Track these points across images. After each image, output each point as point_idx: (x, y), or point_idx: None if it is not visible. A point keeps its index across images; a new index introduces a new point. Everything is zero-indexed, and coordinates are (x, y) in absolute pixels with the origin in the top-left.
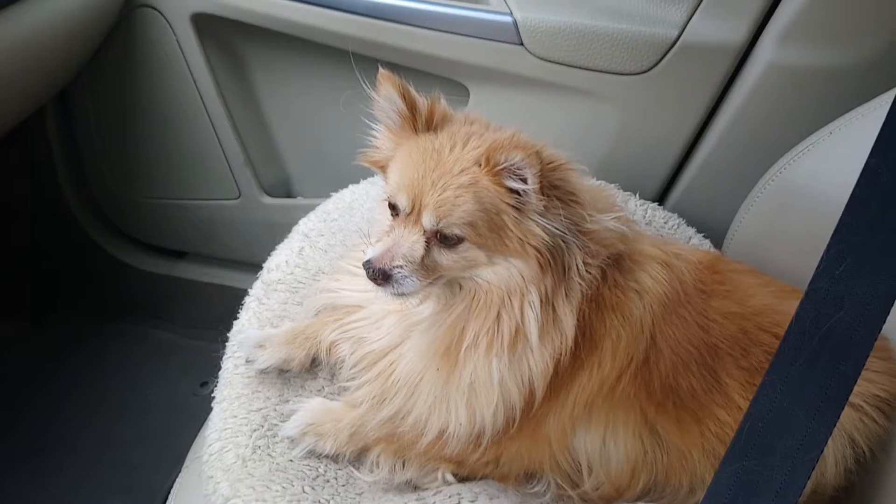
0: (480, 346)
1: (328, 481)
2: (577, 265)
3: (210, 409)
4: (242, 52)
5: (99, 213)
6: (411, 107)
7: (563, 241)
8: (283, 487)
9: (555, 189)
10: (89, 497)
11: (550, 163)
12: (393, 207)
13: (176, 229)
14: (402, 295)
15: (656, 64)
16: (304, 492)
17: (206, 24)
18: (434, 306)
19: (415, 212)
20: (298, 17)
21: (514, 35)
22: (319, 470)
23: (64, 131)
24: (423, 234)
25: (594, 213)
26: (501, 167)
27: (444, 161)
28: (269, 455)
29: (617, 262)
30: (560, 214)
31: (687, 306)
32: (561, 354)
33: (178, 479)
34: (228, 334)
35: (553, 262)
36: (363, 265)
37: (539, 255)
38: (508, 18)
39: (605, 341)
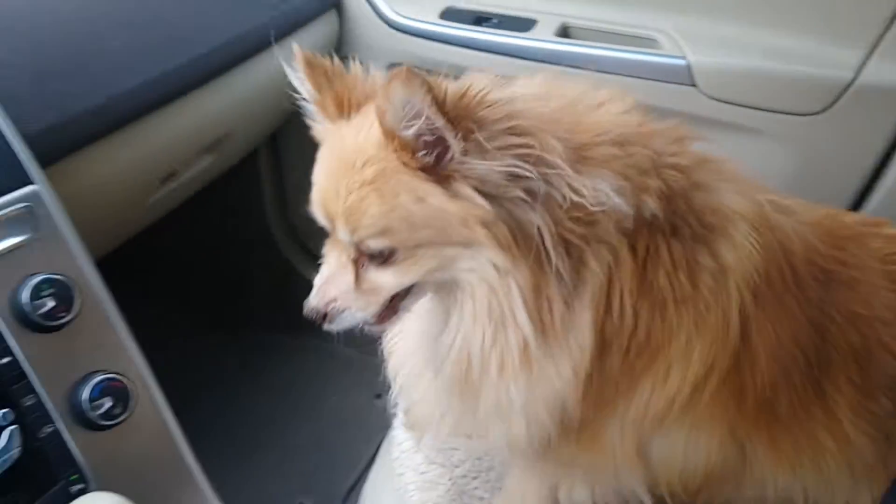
0: (491, 369)
1: None
2: (552, 248)
3: (384, 419)
4: None
5: (298, 240)
6: (320, 87)
7: (522, 206)
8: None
9: (483, 130)
10: (278, 496)
11: (454, 92)
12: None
13: None
14: (355, 326)
15: (831, 105)
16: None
17: None
18: (436, 329)
19: (332, 229)
20: (482, 65)
21: (687, 77)
22: None
23: (273, 169)
24: (349, 254)
25: (561, 162)
26: (390, 117)
27: (349, 153)
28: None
29: (673, 231)
30: (503, 170)
31: (795, 292)
32: (584, 361)
33: (369, 475)
34: None
35: (517, 238)
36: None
37: (494, 234)
38: (682, 62)
39: (670, 346)
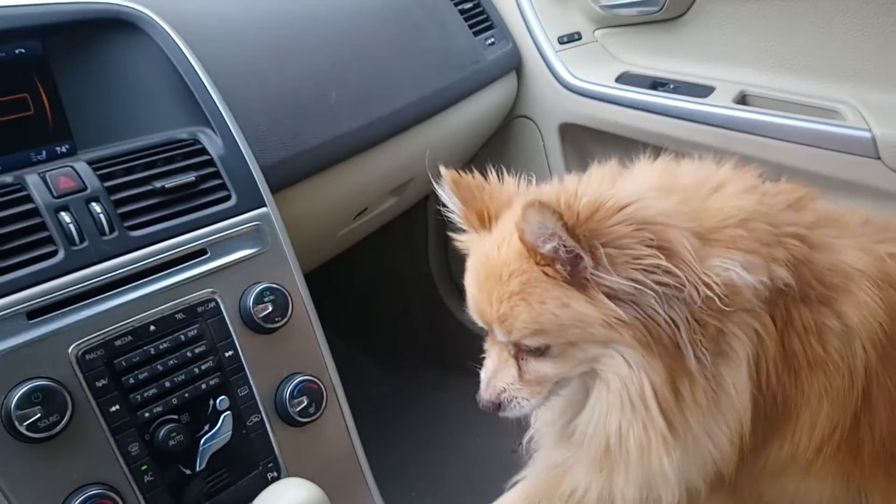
0: (631, 452)
1: None
2: (687, 343)
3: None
4: (595, 154)
5: (452, 281)
6: (466, 201)
7: (652, 308)
8: None
9: (606, 243)
10: None
11: (584, 211)
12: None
13: None
14: (524, 413)
15: None
16: None
17: (569, 132)
18: (573, 411)
19: (490, 331)
20: (655, 128)
21: (872, 150)
22: None
23: (439, 213)
24: (510, 351)
25: (690, 257)
26: (529, 237)
27: (494, 267)
28: None
29: (803, 296)
30: (631, 286)
31: None
32: (741, 428)
33: None
34: None
35: (653, 334)
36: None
37: (634, 333)
38: (867, 134)
39: (803, 411)
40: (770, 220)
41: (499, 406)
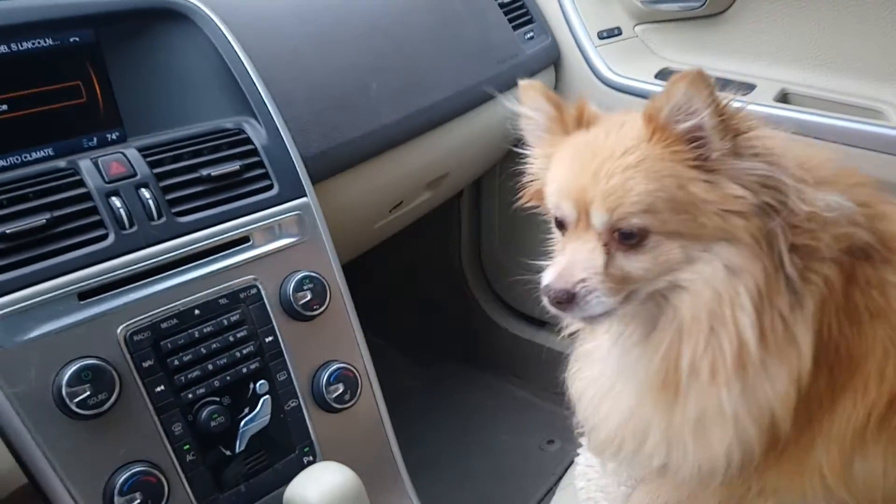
0: (702, 374)
1: None
2: (786, 252)
3: (555, 464)
4: None
5: (483, 276)
6: (557, 106)
7: (771, 210)
8: None
9: (741, 138)
10: None
11: (728, 103)
12: (560, 224)
13: (541, 300)
14: (594, 318)
15: None
16: None
17: None
18: (638, 335)
19: (582, 215)
20: None
21: None
22: None
23: (472, 207)
24: (600, 239)
25: (803, 185)
26: (666, 112)
27: (602, 148)
28: None
29: (866, 255)
30: (756, 173)
31: None
32: (800, 376)
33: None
34: None
35: (764, 240)
36: (542, 292)
37: (747, 225)
38: None
39: (868, 360)
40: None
41: (571, 298)
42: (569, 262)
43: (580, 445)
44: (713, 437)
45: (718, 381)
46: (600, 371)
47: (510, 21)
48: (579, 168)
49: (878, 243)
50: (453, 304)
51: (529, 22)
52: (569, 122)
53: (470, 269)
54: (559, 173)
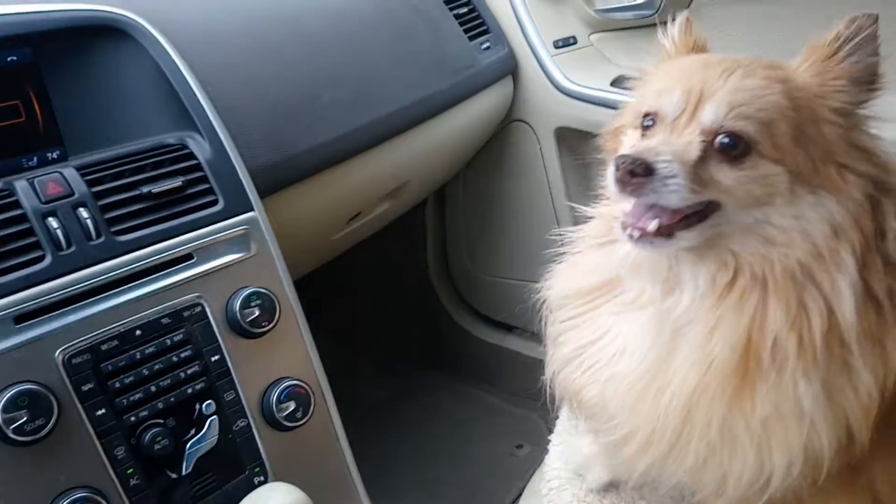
0: (783, 353)
1: None
2: (892, 230)
3: (524, 469)
4: (591, 158)
5: (451, 284)
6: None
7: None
8: None
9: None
10: None
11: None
12: (645, 125)
13: (509, 305)
14: (665, 195)
15: None
16: None
17: (565, 136)
18: (704, 292)
19: (689, 108)
20: None
21: None
22: None
23: (437, 216)
24: (700, 135)
25: None
26: (834, 40)
27: (738, 60)
28: None
29: None
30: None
31: None
32: (886, 382)
33: None
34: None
35: (870, 205)
36: (614, 163)
37: (863, 184)
38: None
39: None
40: None
41: (649, 171)
42: (657, 142)
43: (546, 452)
44: (777, 441)
45: (804, 365)
46: (633, 365)
47: (466, 32)
48: (703, 65)
49: None
50: (421, 312)
51: (485, 32)
52: (688, 48)
53: (437, 276)
54: (674, 71)
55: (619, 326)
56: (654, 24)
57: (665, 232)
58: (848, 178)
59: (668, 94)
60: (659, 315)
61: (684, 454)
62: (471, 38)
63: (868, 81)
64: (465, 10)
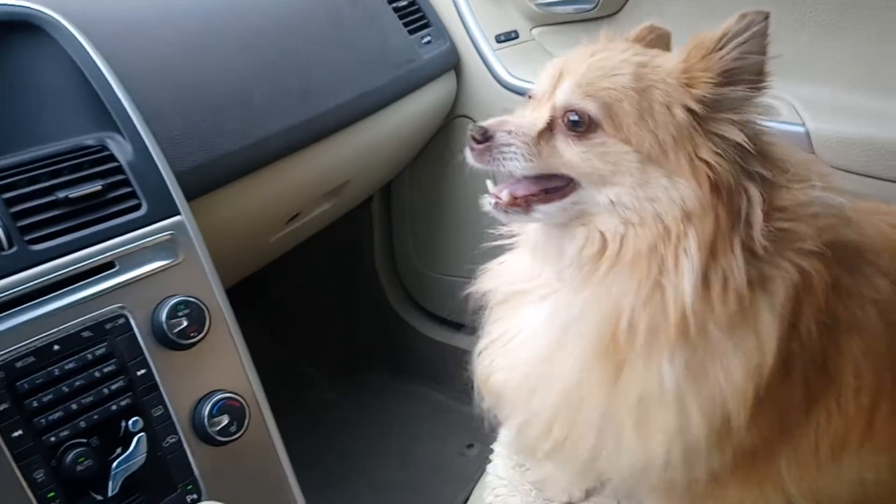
0: (639, 331)
1: None
2: (757, 222)
3: (474, 469)
4: None
5: (399, 284)
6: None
7: (743, 178)
8: None
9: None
10: None
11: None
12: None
13: (457, 303)
14: (504, 165)
15: None
16: None
17: None
18: (573, 268)
19: (549, 91)
20: None
21: (806, 144)
22: None
23: (383, 213)
24: (550, 111)
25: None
26: (715, 36)
27: (619, 48)
28: None
29: (840, 259)
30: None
31: None
32: (760, 370)
33: None
34: None
35: (726, 194)
36: (468, 131)
37: (725, 177)
38: (801, 129)
39: (844, 374)
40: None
41: (488, 138)
42: (512, 118)
43: (492, 451)
44: (652, 425)
45: (659, 345)
46: (530, 353)
47: (406, 26)
48: (585, 53)
49: (851, 251)
50: (368, 311)
51: (426, 26)
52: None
53: (384, 274)
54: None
55: (527, 318)
56: (595, 19)
57: (522, 203)
58: (700, 165)
59: (541, 77)
60: (554, 305)
61: (579, 439)
62: (411, 32)
63: (752, 77)
64: (404, 3)
